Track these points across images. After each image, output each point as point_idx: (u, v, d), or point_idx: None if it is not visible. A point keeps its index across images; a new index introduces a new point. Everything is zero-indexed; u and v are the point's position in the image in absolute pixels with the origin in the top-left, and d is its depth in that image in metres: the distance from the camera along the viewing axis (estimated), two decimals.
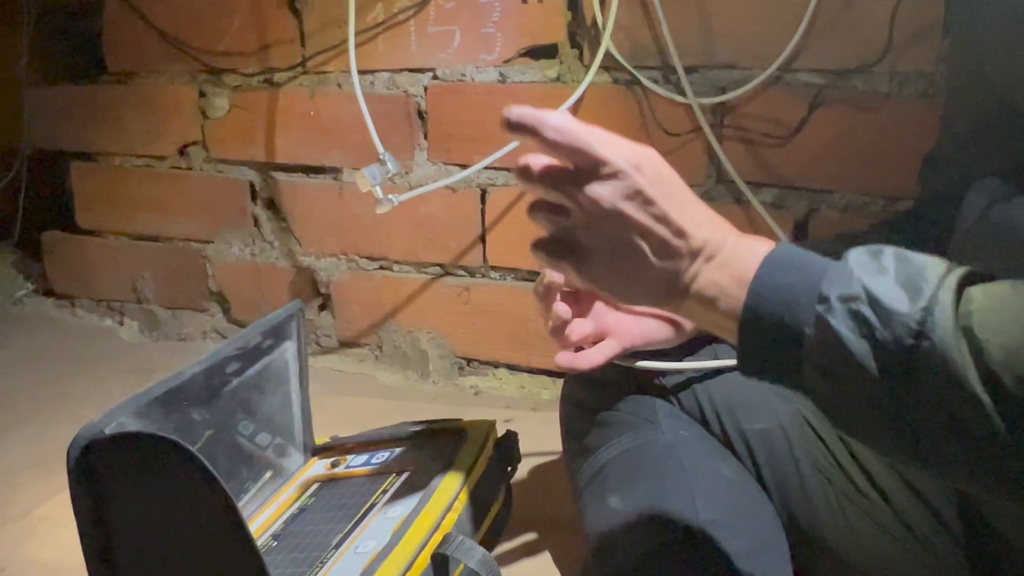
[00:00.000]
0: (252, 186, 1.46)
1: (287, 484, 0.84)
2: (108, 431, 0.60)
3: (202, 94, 1.45)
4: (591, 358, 0.73)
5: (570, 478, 0.83)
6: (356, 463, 0.84)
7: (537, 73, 1.21)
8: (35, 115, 1.61)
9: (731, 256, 0.54)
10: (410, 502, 0.72)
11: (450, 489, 0.72)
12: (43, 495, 1.02)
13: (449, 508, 0.70)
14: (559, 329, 0.71)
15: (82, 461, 0.58)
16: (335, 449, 0.88)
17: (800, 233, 1.12)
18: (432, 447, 0.81)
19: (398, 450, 0.84)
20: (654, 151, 0.55)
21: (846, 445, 0.74)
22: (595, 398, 0.81)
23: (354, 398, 1.32)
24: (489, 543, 0.76)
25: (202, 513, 0.58)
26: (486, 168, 1.23)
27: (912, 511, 0.70)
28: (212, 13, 1.39)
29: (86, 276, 1.65)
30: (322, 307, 1.46)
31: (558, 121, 0.53)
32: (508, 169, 1.26)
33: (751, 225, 1.14)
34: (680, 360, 0.80)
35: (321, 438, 0.90)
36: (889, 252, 0.50)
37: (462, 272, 1.34)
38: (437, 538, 0.67)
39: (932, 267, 0.48)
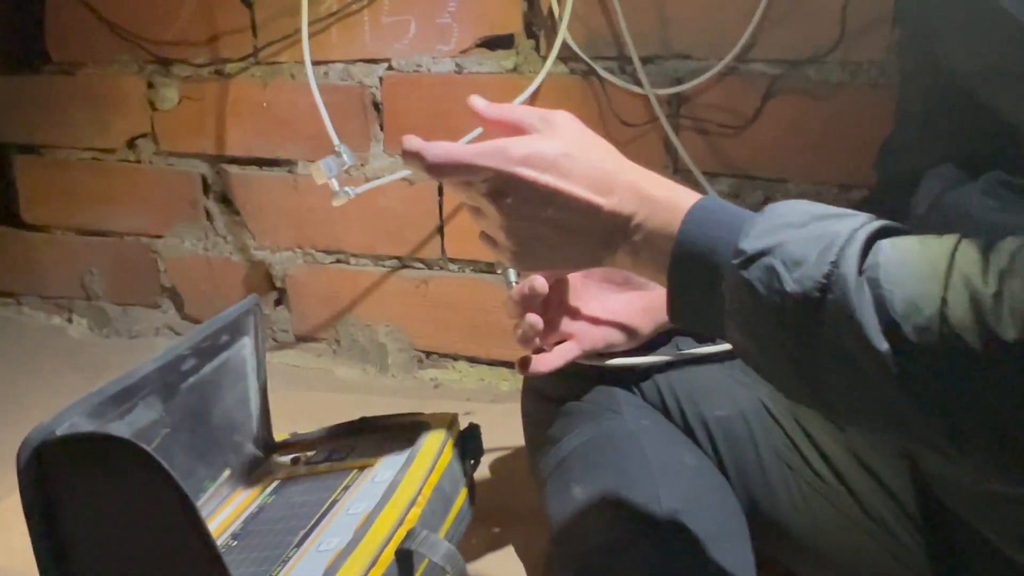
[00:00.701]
0: (204, 179, 1.43)
1: (246, 482, 0.82)
2: (60, 432, 0.58)
3: (151, 85, 1.42)
4: (550, 362, 0.74)
5: (533, 469, 0.84)
6: (317, 459, 0.83)
7: (494, 64, 1.21)
8: None
9: (649, 216, 0.57)
10: (373, 498, 0.71)
11: (413, 484, 0.71)
12: None
13: (412, 503, 0.69)
14: (529, 338, 0.72)
15: (33, 463, 0.57)
16: (295, 446, 0.87)
17: None
18: (394, 442, 0.80)
19: (359, 445, 0.83)
20: (554, 129, 0.60)
21: (804, 431, 0.75)
22: (557, 389, 0.82)
23: (312, 393, 1.30)
24: (453, 537, 0.76)
25: (159, 514, 0.57)
26: None
27: (870, 495, 0.71)
28: (160, 2, 1.36)
29: (32, 272, 1.60)
30: (278, 302, 1.44)
31: (438, 149, 0.58)
32: None
33: None
34: (644, 354, 0.80)
35: (280, 435, 0.89)
36: (806, 205, 0.52)
37: (420, 264, 1.33)
38: (401, 534, 0.67)
39: (846, 221, 0.50)
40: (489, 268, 1.29)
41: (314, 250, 1.39)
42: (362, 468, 0.79)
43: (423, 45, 1.24)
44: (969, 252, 0.45)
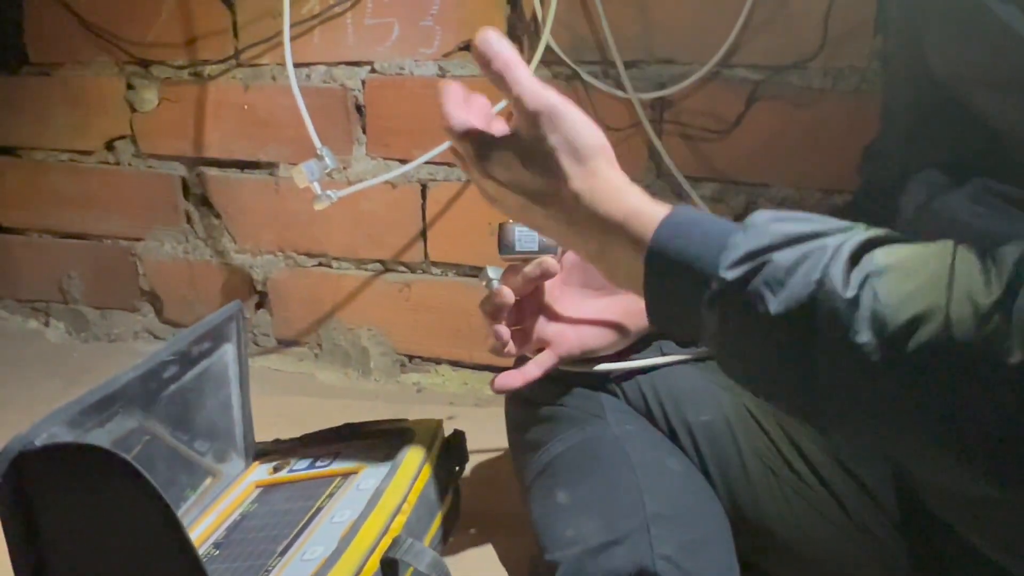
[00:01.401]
0: (184, 182, 1.42)
1: (228, 490, 0.81)
2: (39, 442, 0.57)
3: (130, 87, 1.40)
4: (527, 374, 0.74)
5: (517, 474, 0.83)
6: (300, 467, 0.82)
7: (477, 67, 1.20)
8: None
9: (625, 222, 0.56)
10: (357, 506, 0.70)
11: (398, 492, 0.71)
12: None
13: (397, 511, 0.69)
14: (499, 349, 0.73)
15: (11, 474, 0.56)
16: (278, 452, 0.86)
17: None
18: (378, 449, 0.80)
19: (343, 452, 0.82)
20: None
21: (788, 436, 0.75)
22: (541, 394, 0.81)
23: (294, 398, 1.29)
24: (439, 543, 0.76)
25: (141, 525, 0.57)
26: (427, 163, 1.22)
27: (853, 499, 0.71)
28: (140, 3, 1.35)
29: (9, 275, 1.58)
30: (259, 305, 1.43)
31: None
32: (449, 164, 1.25)
33: None
34: (626, 358, 0.80)
35: (262, 441, 0.88)
36: (786, 224, 0.51)
37: (403, 268, 1.33)
38: (386, 542, 0.66)
39: (830, 237, 0.49)
40: (472, 272, 1.29)
41: (296, 253, 1.38)
42: (346, 475, 0.78)
43: (406, 48, 1.23)
44: (968, 263, 0.45)
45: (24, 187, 1.52)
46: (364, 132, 1.29)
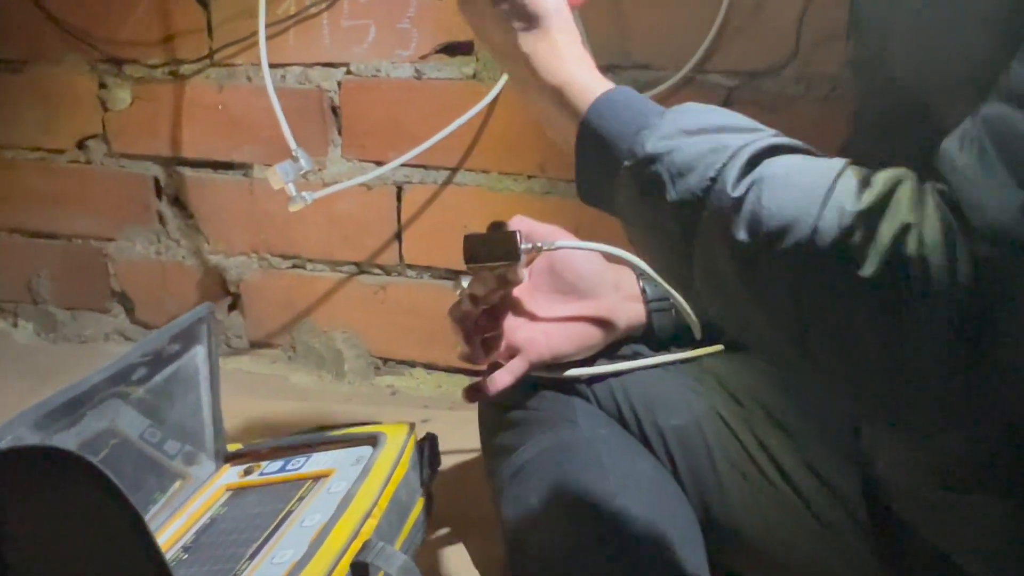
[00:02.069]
0: (157, 182, 1.41)
1: (198, 493, 0.81)
2: (3, 445, 0.57)
3: (103, 85, 1.39)
4: (498, 382, 0.75)
5: (489, 478, 0.83)
6: (271, 470, 0.82)
7: (454, 70, 1.20)
8: None
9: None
10: (328, 509, 0.70)
11: (369, 495, 0.71)
12: None
13: (368, 515, 0.68)
14: (468, 356, 0.75)
15: None
16: (248, 455, 0.86)
17: None
18: (350, 452, 0.79)
19: (315, 455, 0.82)
20: None
21: (758, 439, 0.76)
22: (514, 398, 0.82)
23: (267, 400, 1.28)
24: (410, 547, 0.75)
25: (107, 529, 0.56)
26: (402, 165, 1.21)
27: (821, 501, 0.72)
28: (113, 1, 1.33)
29: None
30: (232, 307, 1.41)
31: None
32: (424, 166, 1.25)
33: None
34: (598, 362, 0.81)
35: (234, 444, 0.88)
36: (709, 114, 0.54)
37: (378, 270, 1.32)
38: (356, 545, 0.66)
39: (740, 136, 0.51)
40: (448, 275, 1.29)
41: (270, 255, 1.37)
42: (317, 479, 0.78)
43: (382, 50, 1.23)
44: (849, 179, 0.47)
45: None
46: (340, 134, 1.28)
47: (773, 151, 0.50)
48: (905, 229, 0.43)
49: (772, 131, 0.53)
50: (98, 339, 1.50)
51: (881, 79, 0.66)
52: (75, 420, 0.67)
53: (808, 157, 0.50)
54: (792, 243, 0.46)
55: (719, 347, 0.82)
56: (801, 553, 0.73)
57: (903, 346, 0.44)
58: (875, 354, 0.45)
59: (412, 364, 1.34)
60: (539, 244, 0.75)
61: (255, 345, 1.42)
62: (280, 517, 0.73)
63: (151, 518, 0.76)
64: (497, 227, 0.76)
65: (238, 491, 0.81)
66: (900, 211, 0.44)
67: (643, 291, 0.82)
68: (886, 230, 0.44)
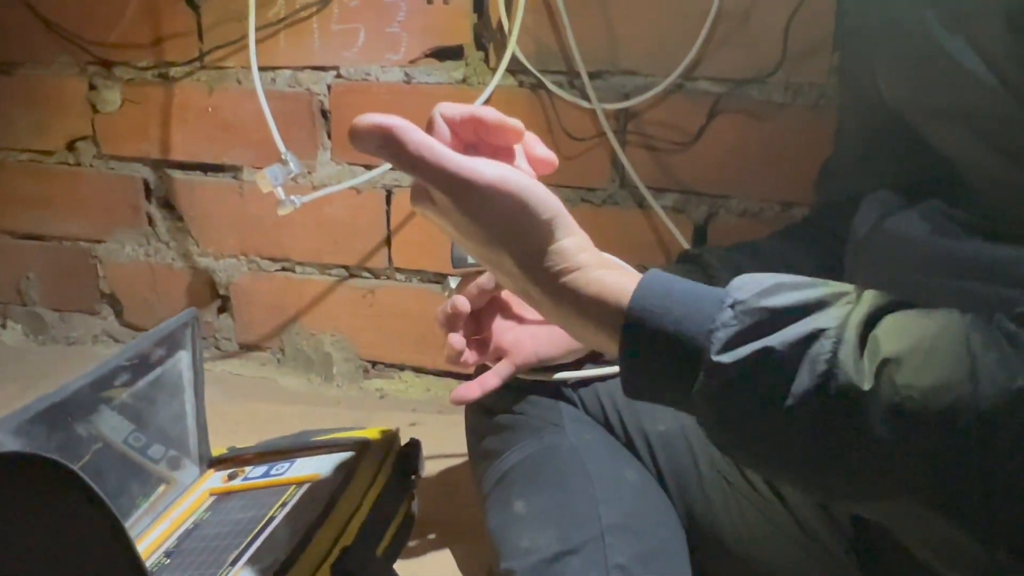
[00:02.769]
0: (146, 184, 1.41)
1: (181, 498, 0.80)
2: None
3: (92, 87, 1.38)
4: (485, 385, 0.75)
5: (476, 482, 0.84)
6: (255, 475, 0.82)
7: (443, 74, 1.21)
8: None
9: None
10: (310, 515, 0.70)
11: (352, 500, 0.71)
12: None
13: (350, 520, 0.69)
14: (455, 359, 0.73)
15: None
16: (233, 460, 0.85)
17: (700, 237, 1.15)
18: (334, 457, 0.79)
19: (298, 460, 0.81)
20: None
21: None
22: (500, 402, 0.82)
23: (255, 403, 1.28)
24: (392, 553, 0.75)
25: (88, 536, 0.56)
26: (392, 169, 1.21)
27: (806, 510, 0.72)
28: (103, 3, 1.33)
29: None
30: (221, 310, 1.41)
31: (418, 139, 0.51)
32: None
33: (653, 229, 1.16)
34: (584, 366, 0.81)
35: (219, 449, 0.88)
36: (776, 284, 0.48)
37: (367, 274, 1.32)
38: (337, 551, 0.66)
39: (828, 312, 0.46)
40: (437, 279, 1.29)
41: (259, 258, 1.37)
42: (301, 484, 0.78)
43: (372, 54, 1.23)
44: (981, 337, 0.43)
45: None
46: (329, 137, 1.28)
47: (874, 318, 0.45)
48: None
49: (848, 287, 0.47)
50: (87, 341, 1.50)
51: (866, 93, 0.66)
52: (58, 425, 0.67)
53: (916, 317, 0.45)
54: (960, 429, 0.42)
55: None
56: (785, 562, 0.74)
57: None
58: None
59: (401, 367, 1.34)
60: None
61: (244, 348, 1.42)
62: (263, 522, 0.73)
63: (134, 523, 0.75)
64: None
65: (222, 496, 0.80)
66: None
67: None
68: None
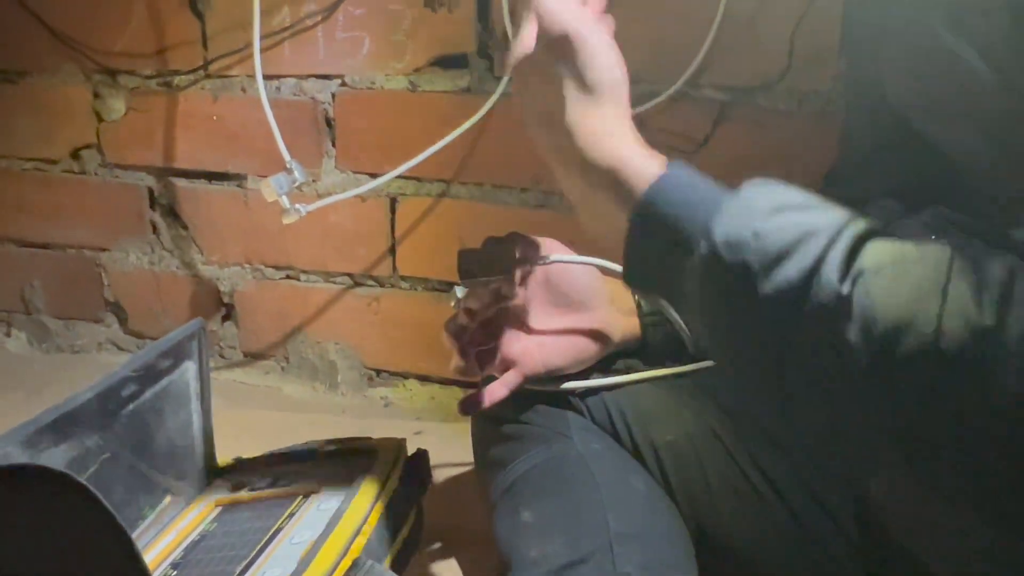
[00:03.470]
0: (151, 192, 1.41)
1: (188, 509, 0.80)
2: None
3: (97, 95, 1.39)
4: (493, 395, 0.75)
5: (482, 492, 0.83)
6: (261, 485, 0.82)
7: (448, 83, 1.21)
8: None
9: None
10: (318, 526, 0.70)
11: (359, 512, 0.70)
12: None
13: (358, 532, 0.68)
14: (462, 369, 0.74)
15: None
16: (239, 471, 0.85)
17: None
18: (341, 467, 0.79)
19: (305, 471, 0.81)
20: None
21: (751, 456, 0.76)
22: (507, 411, 0.81)
23: (260, 412, 1.28)
24: (400, 564, 0.75)
25: (95, 548, 0.56)
26: (397, 177, 1.21)
27: (814, 519, 0.72)
28: (107, 12, 1.33)
29: None
30: (226, 318, 1.41)
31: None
32: (418, 178, 1.25)
33: None
34: (592, 376, 0.81)
35: (224, 459, 0.87)
36: (783, 193, 0.50)
37: (372, 282, 1.32)
38: (346, 564, 0.66)
39: (828, 214, 0.47)
40: (442, 287, 1.29)
41: (263, 266, 1.37)
42: (307, 495, 0.77)
43: (377, 62, 1.23)
44: (962, 275, 0.43)
45: None
46: (334, 145, 1.28)
47: (868, 235, 0.46)
48: None
49: (851, 211, 0.48)
50: (91, 349, 1.50)
51: (872, 98, 0.66)
52: (65, 436, 0.67)
53: (906, 243, 0.46)
54: (913, 349, 0.42)
55: (712, 362, 0.82)
56: (792, 570, 0.73)
57: None
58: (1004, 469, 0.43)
59: (406, 376, 1.34)
60: (534, 258, 0.75)
61: (248, 356, 1.41)
62: (270, 534, 0.73)
63: (140, 534, 0.75)
64: (492, 242, 0.76)
65: (228, 507, 0.80)
66: None
67: (638, 305, 0.82)
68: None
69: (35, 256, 1.50)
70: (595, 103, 0.56)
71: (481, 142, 1.20)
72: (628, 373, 0.81)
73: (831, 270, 0.45)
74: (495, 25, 1.17)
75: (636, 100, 1.11)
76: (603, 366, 0.82)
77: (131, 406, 0.74)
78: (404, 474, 0.79)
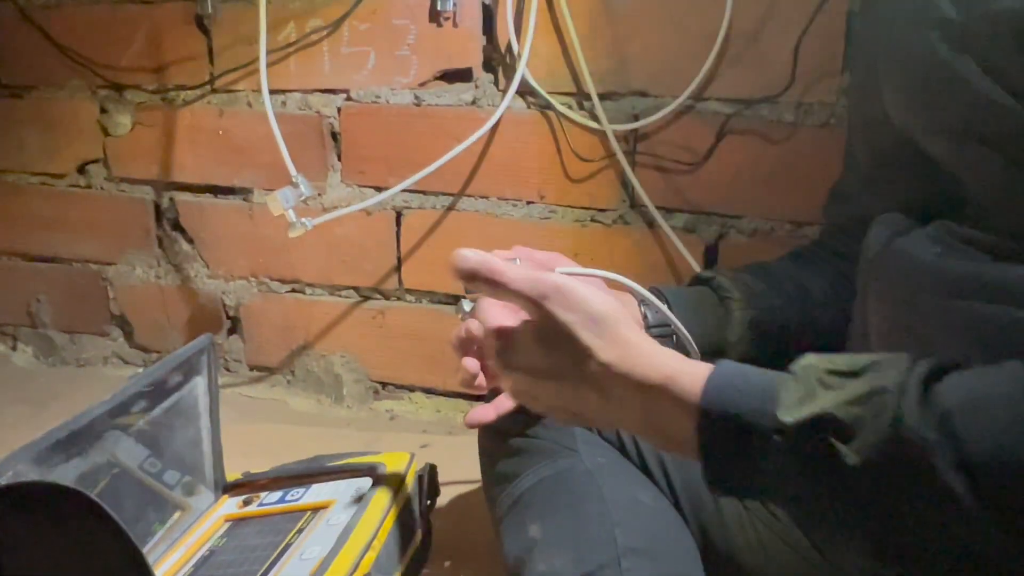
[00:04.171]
0: (157, 206, 1.41)
1: (197, 524, 0.80)
2: (3, 480, 0.57)
3: (104, 110, 1.39)
4: (500, 407, 0.75)
5: (489, 506, 0.83)
6: (270, 500, 0.82)
7: (453, 97, 1.21)
8: None
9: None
10: (327, 542, 0.70)
11: (368, 527, 0.70)
12: None
13: (368, 547, 0.68)
14: (468, 382, 0.73)
15: None
16: (247, 486, 0.85)
17: (710, 258, 1.15)
18: (349, 483, 0.79)
19: (314, 486, 0.81)
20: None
21: None
22: (514, 425, 0.81)
23: (266, 425, 1.28)
24: None
25: (106, 564, 0.56)
26: (402, 191, 1.22)
27: None
28: (115, 27, 1.34)
29: None
30: (231, 331, 1.41)
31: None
32: (424, 192, 1.25)
33: (663, 250, 1.16)
34: None
35: (232, 474, 0.87)
36: (834, 361, 0.49)
37: (377, 295, 1.33)
38: None
39: (887, 371, 0.47)
40: (447, 300, 1.29)
41: (269, 279, 1.37)
42: (316, 510, 0.78)
43: (382, 76, 1.24)
44: None
45: None
46: (339, 159, 1.29)
47: (934, 375, 0.45)
48: None
49: (905, 355, 0.48)
50: (97, 363, 1.50)
51: (875, 113, 0.66)
52: (76, 453, 0.67)
53: (982, 368, 0.45)
54: (1019, 477, 0.41)
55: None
56: None
57: None
58: None
59: (411, 388, 1.34)
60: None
61: (254, 369, 1.42)
62: (279, 549, 0.73)
63: (150, 549, 0.75)
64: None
65: (237, 522, 0.80)
66: None
67: (644, 316, 0.82)
68: None
69: (41, 270, 1.50)
70: (612, 327, 0.56)
71: (486, 156, 1.21)
72: None
73: (911, 420, 0.44)
74: (499, 39, 1.17)
75: (641, 114, 1.12)
76: None
77: (141, 421, 0.74)
78: (413, 489, 0.79)
